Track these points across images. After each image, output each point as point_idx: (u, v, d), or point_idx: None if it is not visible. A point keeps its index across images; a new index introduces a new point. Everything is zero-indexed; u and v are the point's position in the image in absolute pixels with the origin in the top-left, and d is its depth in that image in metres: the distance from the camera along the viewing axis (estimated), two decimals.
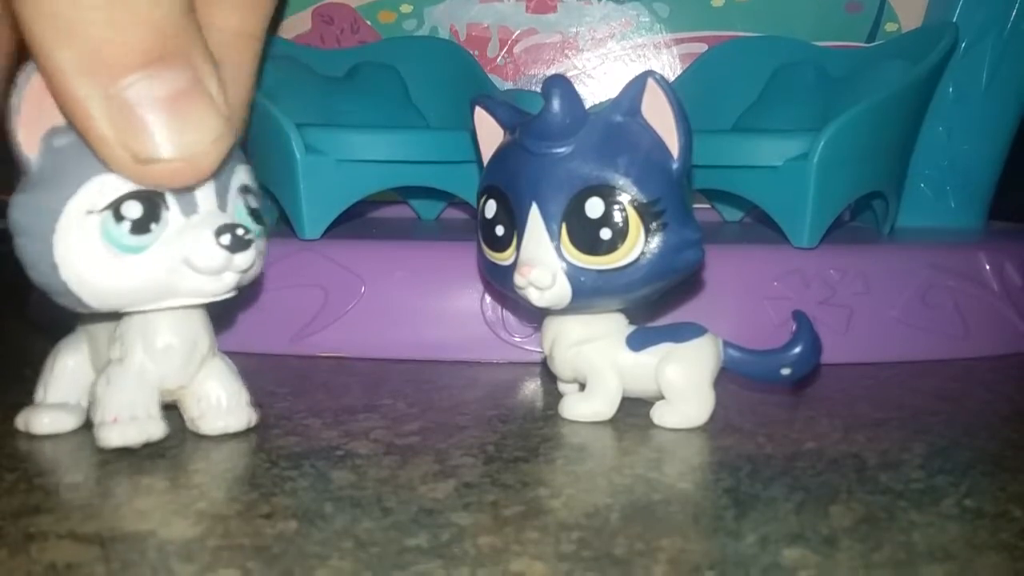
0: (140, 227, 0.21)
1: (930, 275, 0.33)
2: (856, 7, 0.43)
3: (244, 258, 0.22)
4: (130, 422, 0.22)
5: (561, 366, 0.26)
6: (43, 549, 0.17)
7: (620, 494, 0.20)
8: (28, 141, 0.21)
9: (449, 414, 0.26)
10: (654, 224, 0.23)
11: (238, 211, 0.22)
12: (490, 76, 0.44)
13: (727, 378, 0.26)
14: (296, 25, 0.44)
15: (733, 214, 0.45)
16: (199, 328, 0.23)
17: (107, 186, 0.20)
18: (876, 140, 0.34)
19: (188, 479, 0.21)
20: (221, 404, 0.24)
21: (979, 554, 0.17)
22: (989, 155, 0.41)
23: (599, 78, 0.46)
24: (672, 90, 0.23)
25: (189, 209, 0.21)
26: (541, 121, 0.23)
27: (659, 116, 0.23)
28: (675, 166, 0.23)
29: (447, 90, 0.42)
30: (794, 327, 0.25)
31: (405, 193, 0.45)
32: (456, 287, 0.33)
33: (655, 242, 0.23)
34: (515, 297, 0.25)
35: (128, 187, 0.21)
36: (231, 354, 0.25)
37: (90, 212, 0.20)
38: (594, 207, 0.23)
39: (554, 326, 0.26)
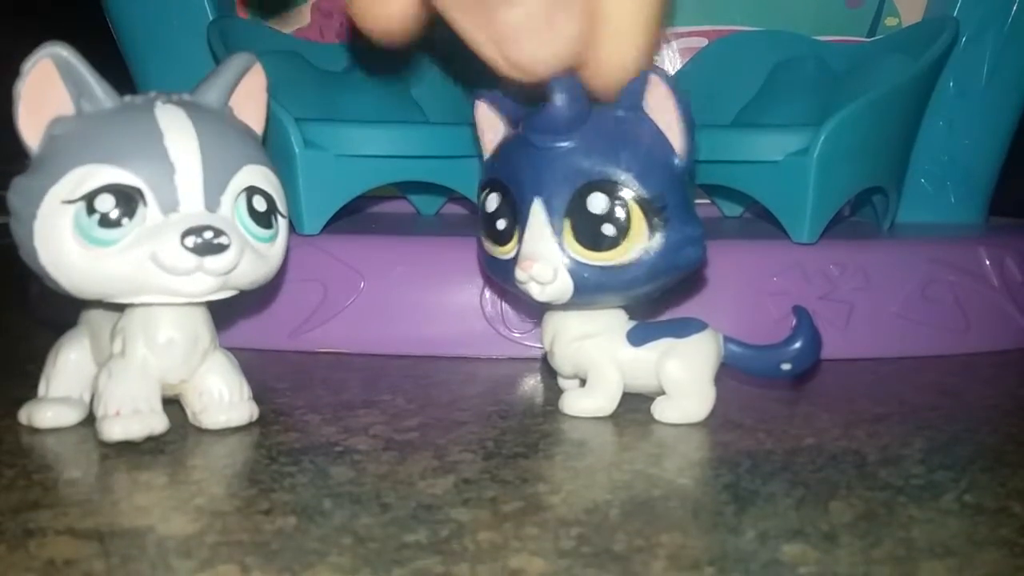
0: (110, 221, 0.21)
1: (930, 270, 0.33)
2: (856, 2, 0.43)
3: (217, 262, 0.21)
4: (132, 415, 0.22)
5: (561, 362, 0.26)
6: (42, 545, 0.17)
7: (620, 490, 0.20)
8: (29, 129, 0.21)
9: (448, 410, 0.26)
10: (656, 220, 0.23)
11: (237, 213, 0.22)
12: None
13: (727, 373, 0.26)
14: (295, 19, 0.44)
15: (733, 209, 0.45)
16: (201, 323, 0.23)
17: (87, 177, 0.20)
18: (876, 135, 0.33)
19: (187, 475, 0.21)
20: (223, 398, 0.24)
21: (979, 550, 0.17)
22: (989, 150, 0.41)
23: None
24: (676, 86, 0.23)
25: (169, 207, 0.21)
26: (545, 115, 0.23)
27: (662, 112, 0.23)
28: (678, 162, 0.23)
29: (447, 85, 0.42)
30: (794, 322, 0.25)
31: (405, 188, 0.44)
32: (456, 283, 0.32)
33: (657, 239, 0.23)
34: (516, 292, 0.25)
35: (107, 180, 0.20)
36: (230, 350, 0.25)
37: (65, 201, 0.20)
38: (597, 202, 0.23)
39: (554, 321, 0.26)
